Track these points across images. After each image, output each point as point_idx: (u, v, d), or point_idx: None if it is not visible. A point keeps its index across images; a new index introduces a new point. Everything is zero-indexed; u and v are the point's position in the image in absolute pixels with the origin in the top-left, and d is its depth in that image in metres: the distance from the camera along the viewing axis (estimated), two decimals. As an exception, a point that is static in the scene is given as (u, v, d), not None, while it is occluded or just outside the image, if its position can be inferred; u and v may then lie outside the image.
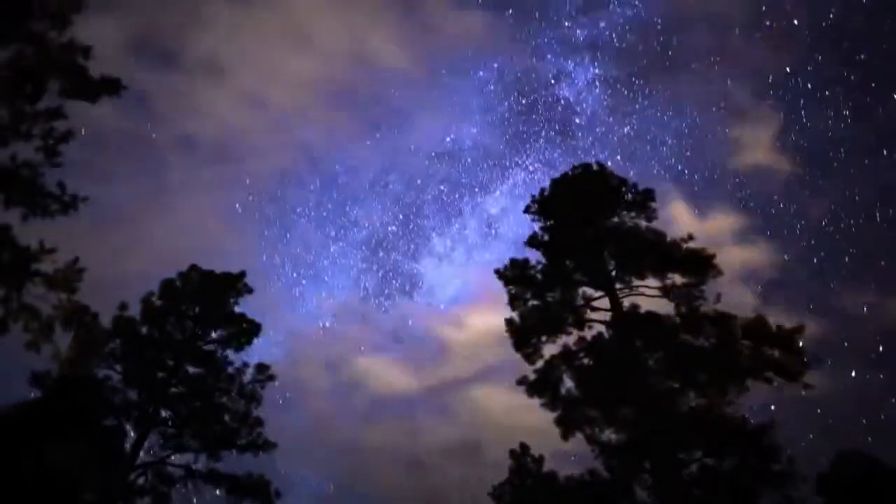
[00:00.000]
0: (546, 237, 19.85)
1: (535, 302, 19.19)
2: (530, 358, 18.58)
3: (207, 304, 20.39)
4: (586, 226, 19.04)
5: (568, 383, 18.18)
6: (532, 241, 19.91)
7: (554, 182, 20.32)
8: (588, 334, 18.31)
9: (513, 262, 19.93)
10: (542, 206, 20.40)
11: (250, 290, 21.01)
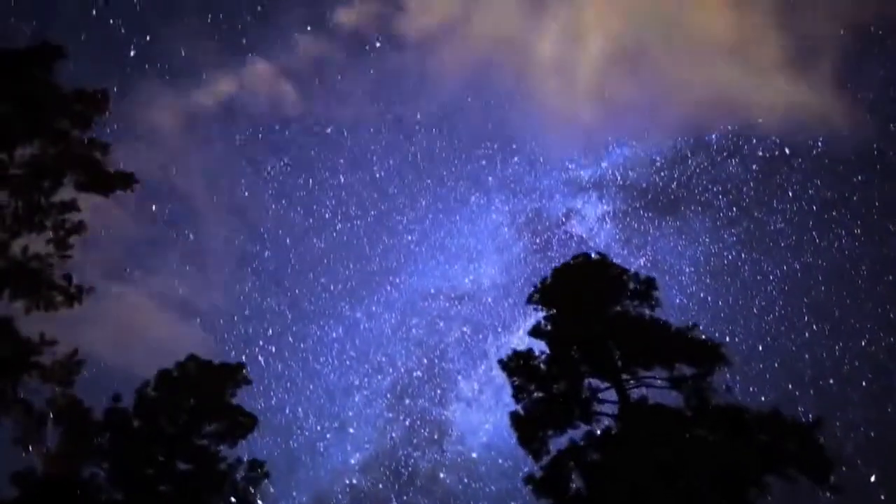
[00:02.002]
0: (549, 327, 19.69)
1: (540, 394, 18.76)
2: (537, 454, 17.88)
3: (204, 395, 19.81)
4: (590, 315, 18.95)
5: (577, 481, 17.41)
6: (535, 331, 19.74)
7: (555, 271, 20.45)
8: (596, 428, 17.77)
9: (516, 352, 19.69)
10: (544, 295, 20.39)
11: (249, 381, 20.51)
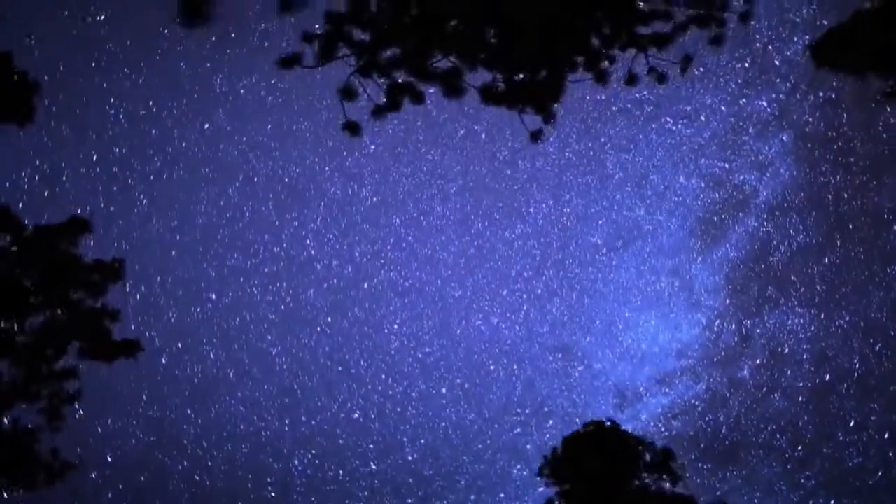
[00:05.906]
0: (563, 504, 18.22)
1: (559, 586, 16.78)
2: None
3: None
4: (607, 491, 17.67)
5: None
6: (549, 510, 18.22)
7: (566, 441, 19.44)
8: None
9: (528, 535, 17.97)
10: (555, 468, 19.18)
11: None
